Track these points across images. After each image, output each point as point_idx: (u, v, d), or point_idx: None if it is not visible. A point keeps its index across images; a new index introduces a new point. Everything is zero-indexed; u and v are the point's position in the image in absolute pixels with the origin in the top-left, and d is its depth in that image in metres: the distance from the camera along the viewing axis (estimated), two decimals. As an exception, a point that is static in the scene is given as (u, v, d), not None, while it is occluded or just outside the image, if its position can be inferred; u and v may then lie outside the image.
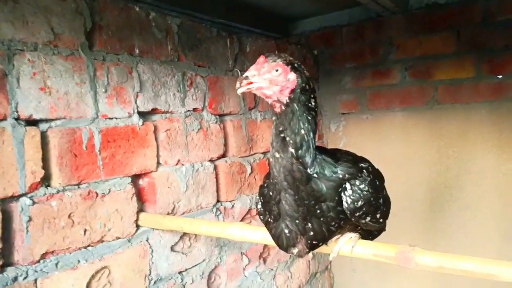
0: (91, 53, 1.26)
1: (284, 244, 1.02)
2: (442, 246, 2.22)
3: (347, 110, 2.51)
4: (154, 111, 1.47)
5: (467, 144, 2.15)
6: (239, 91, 0.88)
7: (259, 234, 1.16)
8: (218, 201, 1.74)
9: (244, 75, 0.88)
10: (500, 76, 2.06)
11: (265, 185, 1.07)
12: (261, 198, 1.10)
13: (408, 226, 2.28)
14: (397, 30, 2.28)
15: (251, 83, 0.88)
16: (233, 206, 1.82)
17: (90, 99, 1.25)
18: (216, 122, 1.74)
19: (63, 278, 1.18)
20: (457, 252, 0.94)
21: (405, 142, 2.32)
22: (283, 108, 0.90)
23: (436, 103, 2.22)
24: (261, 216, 1.12)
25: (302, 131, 0.89)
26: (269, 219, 1.06)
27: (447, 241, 2.22)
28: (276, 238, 1.04)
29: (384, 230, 1.20)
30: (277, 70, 0.88)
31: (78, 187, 1.23)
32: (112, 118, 1.32)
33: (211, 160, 1.71)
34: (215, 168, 1.73)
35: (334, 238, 1.05)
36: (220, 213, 1.75)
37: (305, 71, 0.93)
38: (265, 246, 2.01)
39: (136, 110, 1.39)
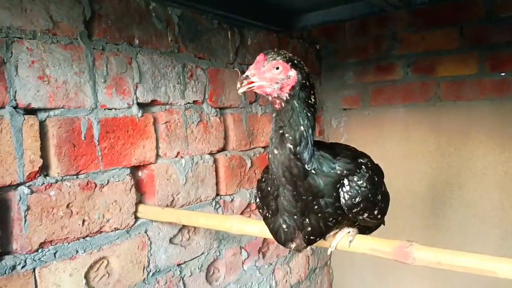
0: (90, 42, 1.25)
1: (282, 239, 1.02)
2: (442, 243, 2.21)
3: (349, 106, 2.50)
4: (153, 102, 1.46)
5: (469, 142, 2.14)
6: (240, 91, 0.88)
7: (257, 228, 1.16)
8: (217, 194, 1.74)
9: (244, 75, 0.88)
10: (503, 74, 2.04)
11: (263, 179, 1.06)
12: (259, 192, 1.09)
13: (409, 223, 2.27)
14: (401, 25, 2.26)
15: (252, 82, 0.87)
16: (232, 200, 1.81)
17: (89, 89, 1.24)
18: (216, 115, 1.73)
19: (61, 267, 1.18)
20: (458, 249, 0.93)
21: (406, 139, 2.31)
22: (283, 104, 0.89)
23: (438, 100, 2.20)
24: (259, 210, 1.12)
25: (302, 128, 0.88)
26: (267, 214, 1.06)
27: (447, 238, 2.21)
28: (274, 232, 1.04)
29: (383, 224, 1.19)
30: (277, 68, 0.88)
31: (77, 177, 1.22)
32: (111, 109, 1.31)
33: (210, 153, 1.71)
34: (215, 161, 1.72)
35: (332, 232, 1.04)
36: (219, 206, 1.74)
37: (305, 68, 0.93)
38: (264, 240, 2.01)
39: (135, 101, 1.38)
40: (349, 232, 1.04)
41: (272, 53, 0.89)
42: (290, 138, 0.88)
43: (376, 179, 1.01)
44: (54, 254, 1.17)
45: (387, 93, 2.35)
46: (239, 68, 1.87)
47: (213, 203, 1.71)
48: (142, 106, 1.42)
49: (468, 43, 2.08)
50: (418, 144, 2.27)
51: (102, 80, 1.28)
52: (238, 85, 0.88)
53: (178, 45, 1.54)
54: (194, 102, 1.63)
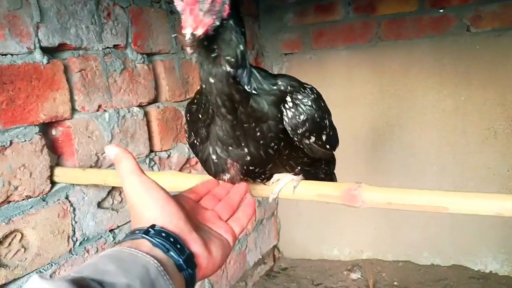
0: (-36, -31, 0.98)
1: (212, 170, 0.90)
2: (384, 183, 2.24)
3: (290, 50, 2.37)
4: (62, 47, 1.23)
5: (409, 82, 2.13)
6: (191, 52, 0.70)
7: (193, 182, 1.02)
8: (151, 151, 1.58)
9: (188, 35, 0.69)
10: (441, 10, 2.00)
11: (195, 101, 0.91)
12: (188, 116, 0.95)
13: (352, 166, 2.26)
14: (340, -41, 2.12)
15: (199, 36, 0.70)
16: (169, 156, 1.66)
17: (-29, 29, 0.99)
18: (143, 62, 1.53)
19: (-40, 247, 0.99)
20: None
21: (349, 82, 2.25)
22: (218, 25, 0.73)
23: (379, 40, 2.14)
24: (186, 136, 0.99)
25: (241, 46, 0.76)
26: (195, 141, 0.93)
27: (389, 179, 2.25)
28: (203, 162, 0.92)
29: (333, 166, 1.12)
30: (212, 1, 0.71)
31: (-31, 140, 1.00)
32: (5, 55, 1.07)
33: (140, 106, 1.52)
34: (146, 114, 1.54)
35: (276, 178, 0.94)
36: (155, 163, 1.59)
37: None
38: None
39: (38, 45, 1.15)
40: (293, 179, 0.95)
41: None
42: (230, 59, 0.74)
43: (322, 104, 0.93)
44: (-51, 232, 0.97)
45: (329, 35, 2.24)
46: (167, 8, 1.65)
47: (147, 161, 1.55)
48: (48, 51, 1.19)
49: (408, -22, 2.01)
50: (360, 87, 2.22)
51: (-11, 18, 1.03)
52: (190, 51, 0.70)
53: (87, -23, 1.29)
54: (115, 46, 1.42)
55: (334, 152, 1.07)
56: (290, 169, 0.95)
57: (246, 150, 0.85)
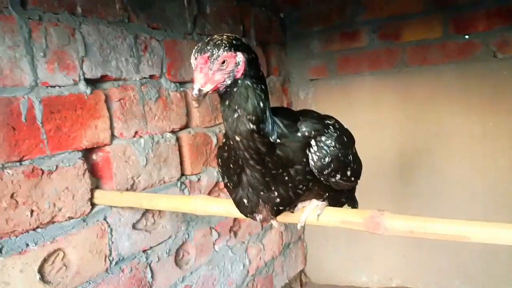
0: (24, 12, 1.10)
1: (245, 211, 0.96)
2: (412, 209, 2.23)
3: (316, 76, 2.43)
4: (104, 78, 1.34)
5: (435, 107, 2.13)
6: (199, 102, 0.80)
7: (223, 207, 1.08)
8: (182, 174, 1.65)
9: (194, 91, 0.78)
10: (467, 36, 2.02)
11: (225, 147, 0.98)
12: (220, 161, 1.02)
13: (378, 192, 2.27)
14: (364, -11, 2.19)
15: (206, 93, 0.79)
16: (199, 179, 1.73)
17: (27, 64, 1.11)
18: (176, 90, 1.62)
19: (9, 264, 1.07)
20: (428, 215, 0.90)
21: (374, 107, 2.28)
22: (235, 89, 0.81)
23: (404, 66, 2.17)
24: (221, 177, 1.05)
25: (261, 104, 0.81)
26: (228, 184, 1.00)
27: (417, 204, 2.23)
28: (237, 204, 0.98)
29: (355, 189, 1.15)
30: (223, 62, 0.78)
31: (20, 164, 1.10)
32: (54, 86, 1.18)
33: (172, 131, 1.60)
34: (178, 139, 1.62)
35: (301, 206, 0.99)
36: (186, 187, 1.66)
37: (243, 42, 0.83)
38: (236, 219, 1.95)
39: (82, 77, 1.25)
40: (317, 205, 0.98)
41: (211, 49, 0.78)
42: (251, 118, 0.80)
43: (345, 139, 0.96)
44: (0, 250, 1.06)
45: (354, 61, 2.29)
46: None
47: (179, 184, 1.62)
48: (91, 82, 1.29)
49: (432, 5, 2.04)
50: (386, 112, 2.24)
51: (42, 54, 1.14)
52: (195, 105, 0.79)
53: (127, 14, 1.40)
54: (151, 76, 1.52)
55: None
56: (317, 198, 0.99)
57: (276, 193, 0.90)
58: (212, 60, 0.78)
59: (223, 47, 0.78)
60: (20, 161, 1.10)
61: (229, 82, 0.80)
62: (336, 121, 0.99)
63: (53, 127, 1.17)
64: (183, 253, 1.66)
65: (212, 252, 1.81)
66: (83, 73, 1.26)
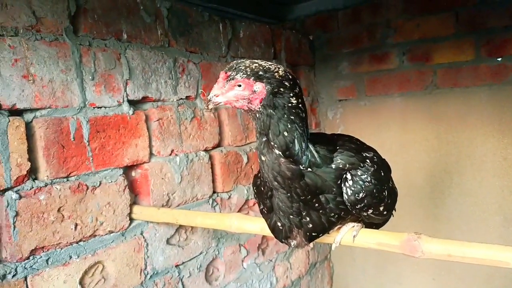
0: (76, 38, 1.19)
1: (280, 236, 0.99)
2: (443, 232, 2.19)
3: (345, 97, 2.46)
4: (145, 99, 1.41)
5: (467, 129, 2.11)
6: (209, 107, 0.87)
7: (258, 225, 1.11)
8: (214, 192, 1.69)
9: (208, 97, 0.86)
10: (499, 59, 2.01)
11: (259, 175, 1.02)
12: (254, 188, 1.06)
13: (408, 214, 2.25)
14: (395, 12, 2.21)
15: (217, 103, 0.86)
16: (229, 197, 1.77)
17: (77, 87, 1.19)
18: (210, 111, 1.68)
19: (54, 274, 1.13)
20: (459, 238, 0.90)
21: (404, 128, 2.27)
22: (258, 115, 0.85)
23: (435, 88, 2.17)
24: (258, 203, 1.08)
25: (286, 133, 0.83)
26: (264, 210, 1.03)
27: (448, 227, 2.19)
28: (272, 229, 1.01)
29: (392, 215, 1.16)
30: (239, 86, 0.83)
31: (67, 180, 1.17)
32: (100, 107, 1.26)
33: (206, 150, 1.66)
34: (210, 158, 1.68)
35: (336, 227, 1.00)
36: (217, 204, 1.70)
37: (275, 74, 0.84)
38: (264, 237, 1.97)
39: (126, 99, 1.33)
40: (353, 226, 1.00)
41: (233, 69, 0.83)
42: (276, 144, 0.84)
43: (382, 174, 0.96)
44: (47, 261, 1.12)
45: (383, 83, 2.31)
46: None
47: (210, 201, 1.67)
48: (133, 103, 1.37)
49: (464, 28, 2.05)
50: (415, 133, 2.24)
51: (90, 77, 1.22)
52: (205, 106, 0.87)
53: (168, 39, 1.48)
54: (187, 97, 1.58)
55: None
56: (352, 221, 1.01)
57: (308, 218, 0.92)
58: (229, 79, 0.84)
59: (242, 73, 0.83)
60: (67, 177, 1.17)
61: (245, 104, 0.84)
62: (375, 154, 0.99)
63: (98, 145, 1.24)
64: (213, 269, 1.69)
65: (241, 269, 1.83)
66: (127, 95, 1.33)
